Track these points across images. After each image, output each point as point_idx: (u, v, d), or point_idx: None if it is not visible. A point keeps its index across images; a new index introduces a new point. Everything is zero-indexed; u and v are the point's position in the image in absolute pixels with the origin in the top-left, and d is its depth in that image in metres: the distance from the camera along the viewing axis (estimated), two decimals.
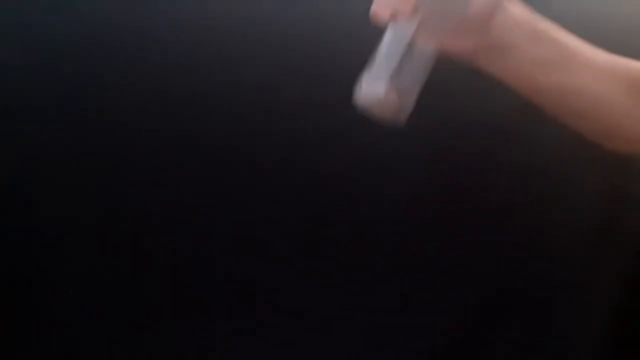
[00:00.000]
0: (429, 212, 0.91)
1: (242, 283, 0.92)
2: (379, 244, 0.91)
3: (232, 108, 0.89)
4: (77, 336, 0.92)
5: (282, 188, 0.90)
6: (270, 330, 0.93)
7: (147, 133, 0.89)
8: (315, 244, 0.90)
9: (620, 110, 0.65)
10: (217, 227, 0.91)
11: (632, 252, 0.91)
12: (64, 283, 0.91)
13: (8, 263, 0.90)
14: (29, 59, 0.88)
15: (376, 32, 0.62)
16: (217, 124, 0.89)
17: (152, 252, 0.91)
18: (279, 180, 0.89)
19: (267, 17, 0.89)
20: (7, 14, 0.89)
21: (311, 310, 0.92)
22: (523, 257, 0.91)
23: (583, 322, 0.93)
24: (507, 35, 0.62)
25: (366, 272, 0.91)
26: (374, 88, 0.60)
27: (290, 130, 0.88)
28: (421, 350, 0.92)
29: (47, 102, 0.88)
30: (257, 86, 0.88)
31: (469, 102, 0.89)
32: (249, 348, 0.93)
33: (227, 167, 0.90)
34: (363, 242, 0.91)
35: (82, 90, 0.88)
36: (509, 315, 0.93)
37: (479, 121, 0.89)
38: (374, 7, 0.61)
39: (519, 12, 0.63)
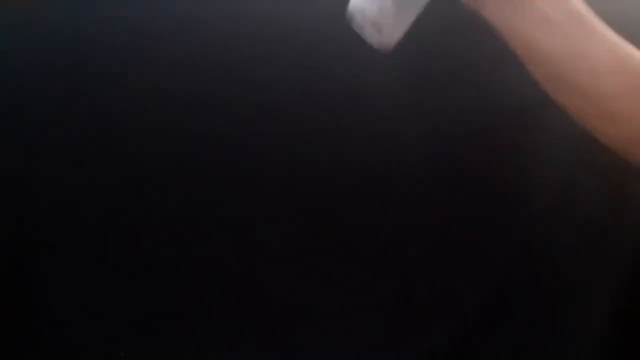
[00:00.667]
0: (429, 212, 0.91)
1: (243, 283, 0.92)
2: (378, 243, 0.91)
3: (232, 108, 0.89)
4: (77, 336, 0.92)
5: (282, 188, 0.90)
6: (270, 331, 0.93)
7: (148, 132, 0.89)
8: (315, 244, 0.90)
9: (620, 87, 0.64)
10: (217, 226, 0.91)
11: (632, 252, 0.91)
12: (64, 283, 0.91)
13: (8, 263, 0.90)
14: (29, 59, 0.88)
15: None
16: (217, 124, 0.89)
17: (152, 251, 0.91)
18: (279, 179, 0.89)
19: (268, 17, 0.89)
20: (7, 13, 0.89)
21: (311, 310, 0.92)
22: (523, 257, 0.91)
23: (583, 322, 0.93)
24: None
25: (366, 272, 0.91)
26: (369, 5, 0.60)
27: (291, 130, 0.88)
28: (421, 350, 0.92)
29: (47, 102, 0.89)
30: (258, 86, 0.88)
31: (469, 102, 0.89)
32: (249, 348, 0.93)
33: (227, 167, 0.90)
34: (363, 242, 0.91)
35: (83, 89, 0.89)
36: (509, 315, 0.93)
37: (479, 121, 0.89)
38: None
39: None
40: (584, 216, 0.91)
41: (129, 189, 0.90)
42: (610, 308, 0.92)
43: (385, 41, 0.61)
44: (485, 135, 0.89)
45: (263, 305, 0.92)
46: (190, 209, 0.91)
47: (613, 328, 0.92)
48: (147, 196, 0.90)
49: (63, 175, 0.89)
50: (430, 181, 0.89)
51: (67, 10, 0.89)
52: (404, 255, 0.91)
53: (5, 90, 0.88)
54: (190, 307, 0.92)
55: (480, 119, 0.89)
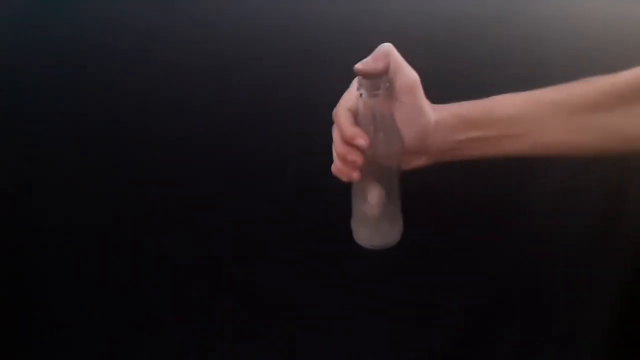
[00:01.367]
0: (429, 213, 0.90)
1: (243, 283, 0.92)
2: None
3: (232, 108, 0.89)
4: (77, 336, 0.92)
5: (283, 187, 0.90)
6: (270, 331, 0.93)
7: (147, 132, 0.89)
8: (315, 244, 0.90)
9: (564, 131, 0.68)
10: (217, 227, 0.91)
11: (632, 252, 0.91)
12: (64, 283, 0.91)
13: (8, 263, 0.90)
14: (29, 59, 0.88)
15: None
16: (217, 124, 0.89)
17: (153, 252, 0.91)
18: (279, 179, 0.89)
19: (268, 17, 0.89)
20: (7, 13, 0.89)
21: (311, 310, 0.92)
22: (523, 257, 0.91)
23: (583, 322, 0.93)
24: (449, 141, 0.68)
25: (366, 272, 0.91)
26: (364, 229, 0.72)
27: (291, 130, 0.88)
28: (421, 351, 0.92)
29: (48, 102, 0.89)
30: (258, 86, 0.88)
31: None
32: (249, 348, 0.93)
33: (227, 167, 0.90)
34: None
35: (83, 90, 0.89)
36: (509, 315, 0.93)
37: None
38: (333, 169, 0.69)
39: (448, 117, 0.67)
40: (584, 216, 0.91)
41: (129, 189, 0.90)
42: (610, 308, 0.92)
43: (390, 240, 0.73)
44: None
45: (263, 305, 0.92)
46: (190, 209, 0.91)
47: (613, 328, 0.92)
48: (147, 196, 0.90)
49: (63, 175, 0.90)
50: (431, 182, 0.89)
51: (67, 10, 0.89)
52: (404, 256, 0.91)
53: (5, 90, 0.88)
54: (190, 307, 0.92)
55: None
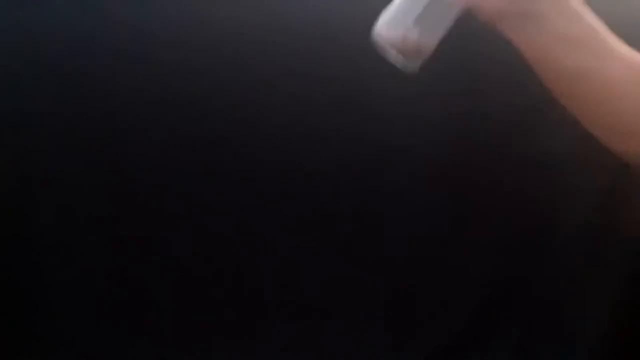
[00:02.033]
0: (429, 212, 0.91)
1: (243, 283, 0.92)
2: (379, 244, 0.91)
3: (232, 108, 0.89)
4: (77, 336, 0.92)
5: (283, 187, 0.90)
6: (270, 331, 0.93)
7: (147, 132, 0.89)
8: (315, 244, 0.90)
9: (635, 103, 0.64)
10: (218, 227, 0.91)
11: (632, 252, 0.91)
12: (64, 283, 0.91)
13: (8, 263, 0.90)
14: (30, 59, 0.88)
15: None
16: (217, 124, 0.89)
17: (153, 251, 0.91)
18: (280, 179, 0.89)
19: (268, 17, 0.89)
20: (7, 14, 0.89)
21: (311, 310, 0.92)
22: (523, 257, 0.91)
23: (583, 322, 0.93)
24: (540, 5, 0.61)
25: (366, 272, 0.91)
26: (393, 28, 0.61)
27: (293, 128, 0.88)
28: (421, 351, 0.92)
29: (48, 102, 0.89)
30: (258, 86, 0.88)
31: (469, 103, 0.89)
32: (249, 348, 0.93)
33: (227, 167, 0.90)
34: (363, 242, 0.91)
35: (83, 90, 0.89)
36: (509, 315, 0.93)
37: (478, 122, 0.89)
38: None
39: None
40: (584, 216, 0.91)
41: (129, 189, 0.90)
42: (610, 308, 0.92)
43: (411, 63, 0.62)
44: (485, 136, 0.89)
45: (263, 305, 0.92)
46: (190, 209, 0.91)
47: (613, 328, 0.92)
48: (147, 195, 0.90)
49: (62, 175, 0.89)
50: (431, 182, 0.89)
51: (68, 10, 0.89)
52: (405, 256, 0.91)
53: (5, 90, 0.88)
54: (189, 307, 0.92)
55: (479, 119, 0.89)
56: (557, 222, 0.91)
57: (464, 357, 0.93)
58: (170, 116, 0.89)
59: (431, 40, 0.62)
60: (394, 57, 0.62)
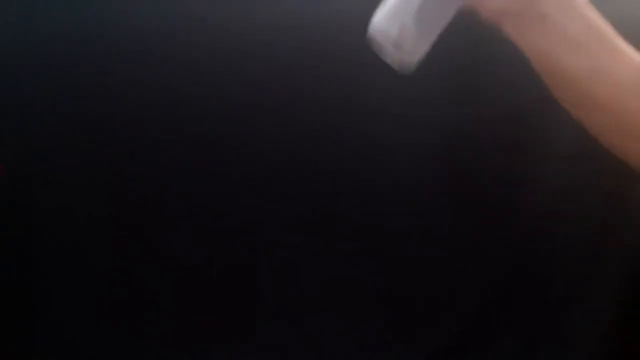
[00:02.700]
0: (430, 212, 0.91)
1: (243, 283, 0.92)
2: (379, 244, 0.91)
3: (232, 108, 0.89)
4: (77, 336, 0.92)
5: (283, 187, 0.90)
6: (270, 331, 0.93)
7: (146, 132, 0.89)
8: (315, 244, 0.90)
9: (638, 104, 0.63)
10: (216, 227, 0.91)
11: (633, 253, 0.91)
12: (64, 283, 0.91)
13: (8, 263, 0.90)
14: (30, 59, 0.88)
15: None
16: (217, 124, 0.89)
17: (153, 251, 0.91)
18: (280, 179, 0.89)
19: (268, 17, 0.89)
20: (8, 14, 0.89)
21: (311, 309, 0.92)
22: (523, 257, 0.91)
23: (584, 322, 0.93)
24: (545, 6, 0.60)
25: (366, 273, 0.91)
26: (391, 24, 0.60)
27: (291, 131, 0.88)
28: (421, 351, 0.92)
29: (48, 103, 0.89)
30: (258, 86, 0.88)
31: (470, 104, 0.89)
32: (249, 349, 0.93)
33: (226, 167, 0.90)
34: (363, 242, 0.91)
35: (83, 90, 0.89)
36: (509, 315, 0.93)
37: (479, 123, 0.89)
38: None
39: None
40: (585, 218, 0.91)
41: (128, 189, 0.90)
42: (611, 308, 0.92)
43: (406, 61, 0.61)
44: (485, 137, 0.89)
45: (263, 305, 0.92)
46: (190, 209, 0.91)
47: (613, 328, 0.92)
48: (148, 196, 0.90)
49: (62, 175, 0.89)
50: (431, 182, 0.89)
51: (68, 10, 0.89)
52: (405, 256, 0.91)
53: (5, 90, 0.88)
54: (189, 308, 0.92)
55: (481, 121, 0.89)
56: (558, 222, 0.91)
57: (464, 357, 0.93)
58: (170, 116, 0.89)
59: (428, 37, 0.61)
60: (389, 55, 0.60)
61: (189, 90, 0.88)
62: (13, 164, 0.89)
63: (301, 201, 0.90)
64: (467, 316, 0.92)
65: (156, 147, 0.89)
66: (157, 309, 0.92)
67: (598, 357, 0.93)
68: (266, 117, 0.88)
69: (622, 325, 0.92)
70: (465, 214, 0.90)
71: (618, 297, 0.92)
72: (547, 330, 0.92)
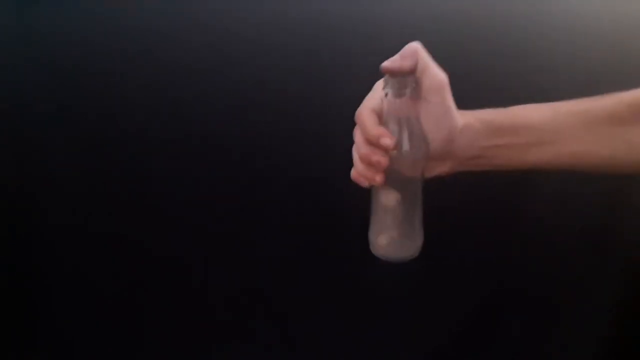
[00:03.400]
0: (429, 212, 0.90)
1: (243, 284, 0.92)
2: None
3: (232, 108, 0.89)
4: (77, 336, 0.92)
5: (283, 187, 0.90)
6: (270, 331, 0.93)
7: (145, 132, 0.89)
8: (314, 244, 0.91)
9: (587, 143, 0.67)
10: (216, 227, 0.91)
11: (632, 253, 0.91)
12: (64, 283, 0.91)
13: (8, 263, 0.90)
14: (30, 59, 0.88)
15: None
16: (217, 124, 0.89)
17: (153, 252, 0.91)
18: (279, 179, 0.89)
19: (268, 17, 0.89)
20: (8, 14, 0.88)
21: (311, 310, 0.92)
22: (523, 258, 0.91)
23: (583, 322, 0.93)
24: (474, 147, 0.66)
25: (366, 273, 0.91)
26: (384, 241, 0.69)
27: (293, 128, 0.88)
28: (421, 351, 0.92)
29: (48, 102, 0.88)
30: (258, 86, 0.88)
31: (471, 102, 0.89)
32: (249, 349, 0.93)
33: (226, 167, 0.90)
34: (363, 243, 0.91)
35: (83, 90, 0.89)
36: (509, 315, 0.93)
37: None
38: (353, 174, 0.67)
39: (474, 122, 0.66)
40: (585, 217, 0.91)
41: (128, 189, 0.90)
42: (610, 308, 0.92)
43: (410, 254, 0.70)
44: None
45: (263, 305, 0.92)
46: (190, 209, 0.91)
47: (613, 328, 0.92)
48: (148, 197, 0.90)
49: (63, 175, 0.89)
50: (431, 182, 0.89)
51: (68, 10, 0.88)
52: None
53: (5, 90, 0.88)
54: (189, 308, 0.92)
55: None
56: (558, 222, 0.91)
57: (464, 357, 0.93)
58: (170, 116, 0.89)
59: (416, 230, 0.70)
60: (397, 260, 0.69)
61: (190, 90, 0.89)
62: (13, 164, 0.89)
63: (301, 201, 0.90)
64: (467, 316, 0.92)
65: (156, 147, 0.89)
66: (156, 309, 0.92)
67: (598, 356, 0.93)
68: (266, 118, 0.88)
69: (622, 325, 0.92)
70: (465, 213, 0.90)
71: (618, 298, 0.92)
72: (547, 331, 0.92)
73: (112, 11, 0.89)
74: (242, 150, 0.89)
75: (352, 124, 0.71)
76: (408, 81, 0.62)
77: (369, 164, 0.64)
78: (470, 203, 0.90)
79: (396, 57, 0.63)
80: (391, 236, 0.68)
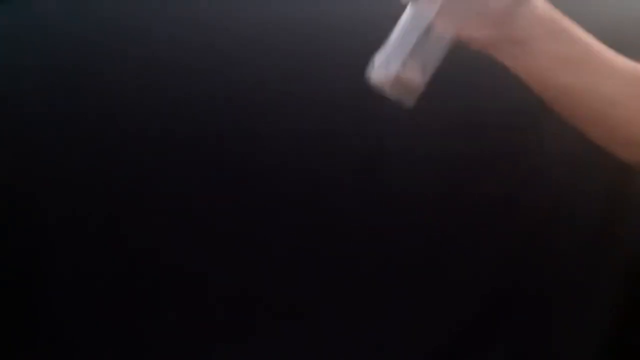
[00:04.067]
0: (429, 212, 0.91)
1: (243, 284, 0.92)
2: (378, 244, 0.91)
3: (232, 108, 0.89)
4: (77, 336, 0.92)
5: (282, 188, 0.90)
6: (270, 331, 0.93)
7: (146, 133, 0.89)
8: (314, 244, 0.90)
9: (636, 116, 0.64)
10: (217, 228, 0.91)
11: (632, 253, 0.91)
12: (64, 283, 0.91)
13: (8, 263, 0.90)
14: (30, 59, 0.88)
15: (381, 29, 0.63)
16: (218, 124, 0.89)
17: (153, 252, 0.91)
18: (279, 180, 0.89)
19: (269, 17, 0.89)
20: (8, 14, 0.89)
21: (311, 310, 0.92)
22: (523, 257, 0.91)
23: (583, 323, 0.93)
24: (528, 30, 0.61)
25: (366, 273, 0.91)
26: (388, 67, 0.62)
27: (292, 128, 0.88)
28: (421, 351, 0.92)
29: (48, 102, 0.89)
30: (257, 87, 0.88)
31: (468, 104, 0.89)
32: (248, 349, 0.93)
33: (226, 167, 0.90)
34: (363, 243, 0.91)
35: (83, 90, 0.89)
36: (509, 316, 0.93)
37: (477, 123, 0.89)
38: None
39: (542, 8, 0.62)
40: (584, 216, 0.91)
41: (128, 189, 0.90)
42: (610, 309, 0.92)
43: (407, 97, 0.64)
44: (483, 138, 0.89)
45: (263, 306, 0.92)
46: (190, 209, 0.91)
47: (613, 329, 0.92)
48: (147, 197, 0.90)
49: (63, 175, 0.89)
50: (430, 183, 0.89)
51: (67, 10, 0.89)
52: (404, 256, 0.91)
53: (5, 90, 0.88)
54: (189, 308, 0.92)
55: (478, 121, 0.89)
56: (558, 222, 0.91)
57: (464, 357, 0.93)
58: (170, 116, 0.89)
59: (423, 76, 0.63)
60: (390, 89, 0.63)
61: (190, 90, 0.89)
62: (13, 164, 0.89)
63: (300, 202, 0.90)
64: (467, 316, 0.92)
65: (156, 147, 0.89)
66: (157, 308, 0.92)
67: (598, 356, 0.93)
68: (266, 118, 0.88)
69: (623, 326, 0.92)
70: (465, 213, 0.90)
71: (618, 298, 0.92)
72: (548, 331, 0.92)
73: (112, 11, 0.89)
74: (242, 150, 0.89)
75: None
76: None
77: None
78: (470, 202, 0.90)
79: None
80: (398, 62, 0.62)
